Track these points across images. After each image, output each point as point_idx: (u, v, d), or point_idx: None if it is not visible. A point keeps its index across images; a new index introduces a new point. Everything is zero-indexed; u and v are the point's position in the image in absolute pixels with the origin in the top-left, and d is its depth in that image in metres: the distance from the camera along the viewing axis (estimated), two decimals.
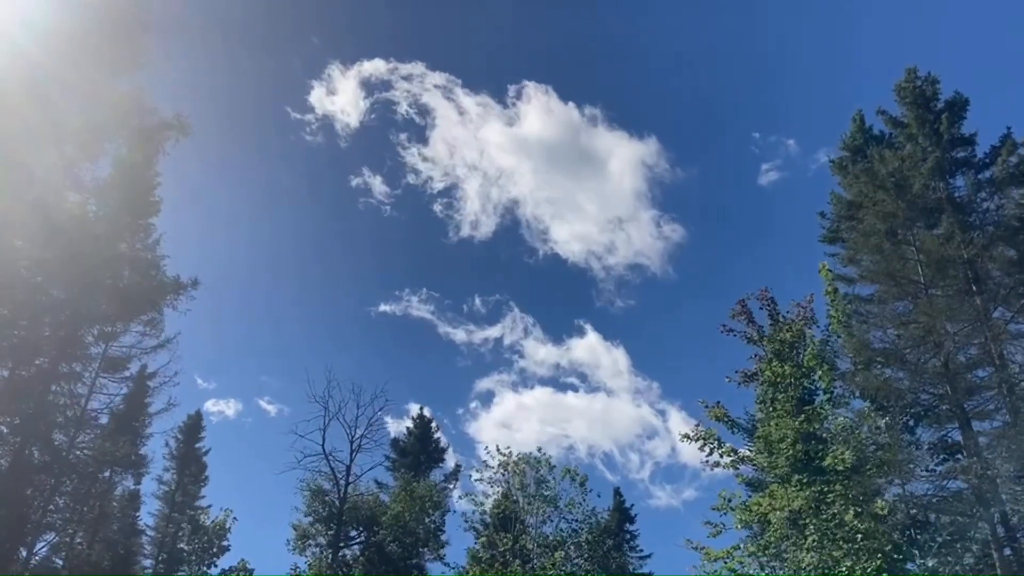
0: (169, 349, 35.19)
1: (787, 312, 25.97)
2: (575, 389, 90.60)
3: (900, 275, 30.19)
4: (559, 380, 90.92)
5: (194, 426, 47.99)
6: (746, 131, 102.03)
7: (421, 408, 52.15)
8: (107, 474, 37.56)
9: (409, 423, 51.29)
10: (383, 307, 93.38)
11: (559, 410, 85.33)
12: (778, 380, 24.11)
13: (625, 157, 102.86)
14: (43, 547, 33.67)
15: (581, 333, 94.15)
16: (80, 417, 32.17)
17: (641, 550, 52.85)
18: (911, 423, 27.67)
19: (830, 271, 26.31)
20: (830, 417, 23.66)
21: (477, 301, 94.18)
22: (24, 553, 31.15)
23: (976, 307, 28.85)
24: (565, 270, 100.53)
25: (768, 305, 26.31)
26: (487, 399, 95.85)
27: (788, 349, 24.49)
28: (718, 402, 25.09)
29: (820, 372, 23.92)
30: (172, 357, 35.61)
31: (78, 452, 32.37)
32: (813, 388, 24.44)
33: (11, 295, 29.52)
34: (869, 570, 20.34)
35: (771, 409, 24.12)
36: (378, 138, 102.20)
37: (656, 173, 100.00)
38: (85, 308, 31.21)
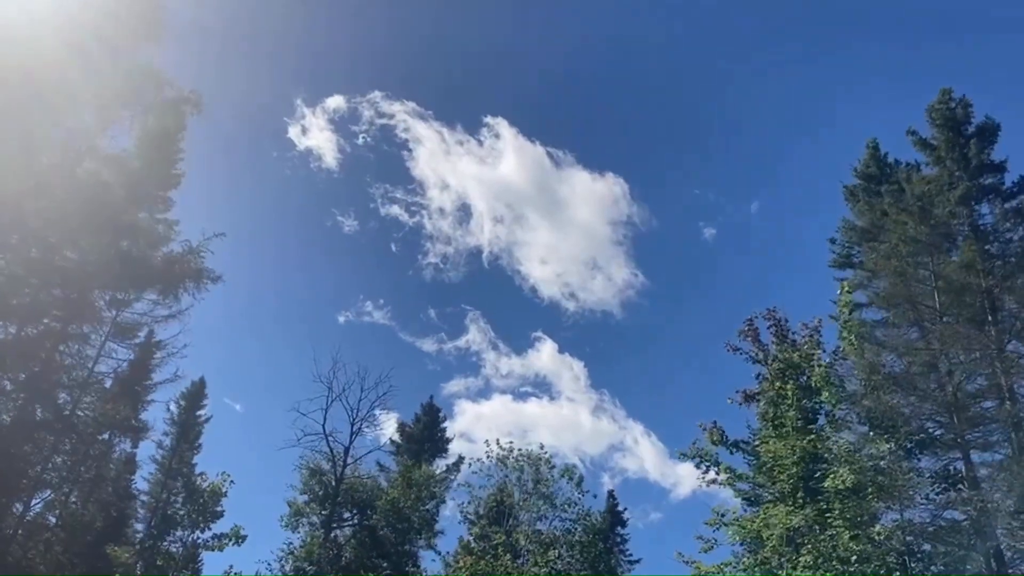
0: (180, 320, 35.10)
1: (794, 333, 25.86)
2: (538, 397, 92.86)
3: (918, 300, 30.04)
4: (519, 390, 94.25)
5: (197, 393, 47.98)
6: (689, 188, 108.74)
7: (431, 397, 52.68)
8: (106, 436, 37.59)
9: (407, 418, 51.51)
10: (350, 316, 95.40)
11: (521, 418, 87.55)
12: (781, 400, 23.99)
13: (592, 199, 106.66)
14: (38, 504, 33.69)
15: (540, 346, 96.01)
16: (86, 379, 32.20)
17: (630, 554, 53.09)
18: (914, 450, 27.48)
19: (848, 291, 26.06)
20: (832, 438, 23.54)
21: (439, 318, 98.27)
22: (19, 508, 31.29)
23: (990, 338, 28.62)
24: (534, 308, 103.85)
25: (775, 326, 26.19)
26: (449, 407, 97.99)
27: (794, 370, 24.36)
28: (715, 422, 24.91)
29: (827, 393, 23.73)
30: (183, 329, 35.57)
31: (80, 413, 32.40)
32: (816, 408, 24.31)
33: (24, 252, 29.50)
34: None
35: (774, 428, 24.02)
36: (353, 174, 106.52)
37: (622, 221, 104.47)
38: (97, 272, 31.18)
